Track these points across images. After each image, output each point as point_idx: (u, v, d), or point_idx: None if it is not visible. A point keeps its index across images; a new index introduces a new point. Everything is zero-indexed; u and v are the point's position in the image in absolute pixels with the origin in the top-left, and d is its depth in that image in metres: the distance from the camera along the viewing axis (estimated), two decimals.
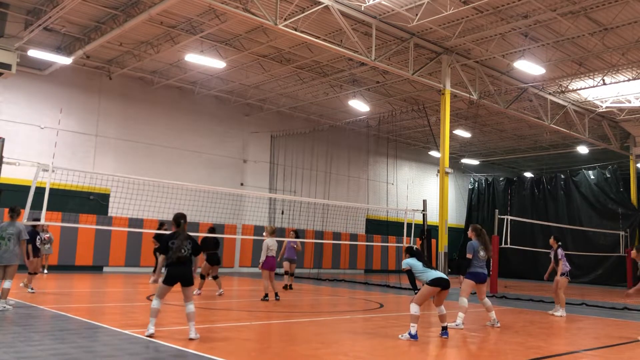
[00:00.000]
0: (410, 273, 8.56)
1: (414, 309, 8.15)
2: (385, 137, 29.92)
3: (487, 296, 10.12)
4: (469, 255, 9.75)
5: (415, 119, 26.37)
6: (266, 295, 12.64)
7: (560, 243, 12.37)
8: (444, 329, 8.43)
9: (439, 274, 8.39)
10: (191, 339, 7.22)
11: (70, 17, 16.96)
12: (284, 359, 6.46)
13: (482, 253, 9.73)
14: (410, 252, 8.76)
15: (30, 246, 12.03)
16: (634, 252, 9.84)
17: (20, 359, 5.81)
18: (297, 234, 16.05)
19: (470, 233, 9.94)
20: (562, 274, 12.01)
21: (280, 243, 14.25)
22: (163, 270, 7.33)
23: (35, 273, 12.70)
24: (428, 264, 8.61)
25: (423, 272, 8.40)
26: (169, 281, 7.41)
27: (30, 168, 10.35)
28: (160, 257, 15.27)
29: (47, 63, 19.70)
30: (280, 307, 11.73)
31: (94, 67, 21.62)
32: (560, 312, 12.03)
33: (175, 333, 7.84)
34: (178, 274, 7.39)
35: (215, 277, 13.81)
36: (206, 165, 24.57)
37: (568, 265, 12.20)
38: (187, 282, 7.44)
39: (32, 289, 12.37)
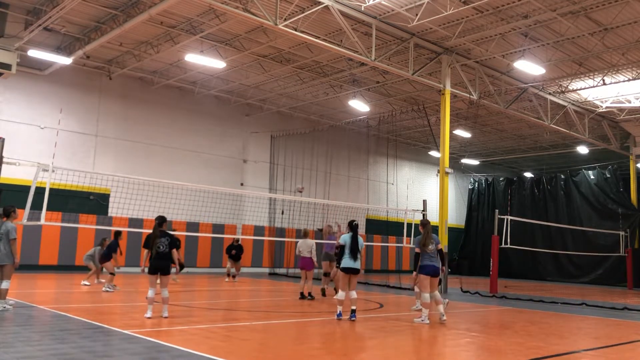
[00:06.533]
0: (342, 250, 9.68)
1: (340, 294, 9.84)
2: (385, 137, 29.92)
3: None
4: (416, 250, 10.18)
5: (415, 119, 26.36)
6: (302, 294, 13.60)
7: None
8: (353, 311, 9.65)
9: (350, 263, 9.66)
10: (165, 317, 9.04)
11: (70, 17, 16.96)
12: (284, 359, 6.46)
13: (430, 247, 10.03)
14: (351, 227, 9.91)
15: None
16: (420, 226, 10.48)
17: (20, 359, 5.82)
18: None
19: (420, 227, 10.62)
20: None
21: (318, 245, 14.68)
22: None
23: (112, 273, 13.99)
24: (354, 251, 9.76)
25: (343, 256, 9.73)
26: (151, 271, 9.26)
27: (30, 168, 10.36)
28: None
29: (47, 63, 19.69)
30: (280, 307, 11.74)
31: (94, 67, 21.62)
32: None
33: (176, 333, 7.85)
34: (158, 265, 9.25)
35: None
36: (206, 165, 24.56)
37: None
38: (165, 272, 9.37)
39: (114, 286, 13.82)
